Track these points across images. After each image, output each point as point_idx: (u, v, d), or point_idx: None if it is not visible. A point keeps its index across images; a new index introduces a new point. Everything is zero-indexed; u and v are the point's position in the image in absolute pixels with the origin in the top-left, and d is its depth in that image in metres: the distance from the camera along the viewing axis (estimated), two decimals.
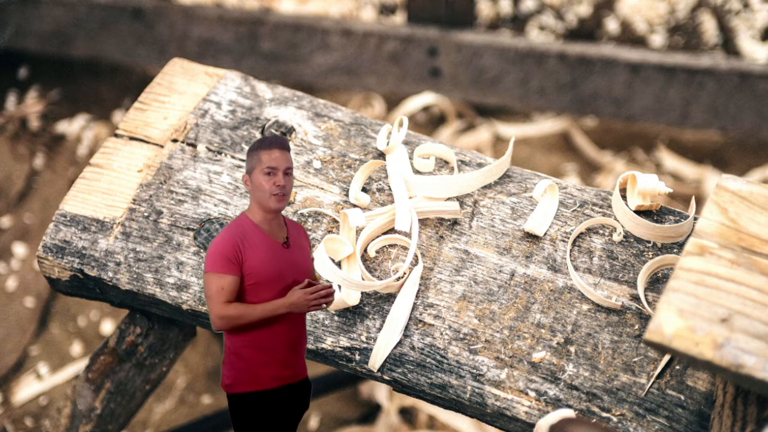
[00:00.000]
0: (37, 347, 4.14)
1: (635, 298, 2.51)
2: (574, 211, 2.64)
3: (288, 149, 2.25)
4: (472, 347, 2.48)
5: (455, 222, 2.65)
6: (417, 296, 2.55)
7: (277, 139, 2.25)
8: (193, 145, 2.79)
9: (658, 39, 4.73)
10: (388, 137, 2.77)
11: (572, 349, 2.46)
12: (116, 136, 2.82)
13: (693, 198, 2.76)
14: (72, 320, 4.20)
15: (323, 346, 2.52)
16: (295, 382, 2.27)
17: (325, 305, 2.21)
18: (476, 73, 4.36)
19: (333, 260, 2.56)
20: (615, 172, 4.44)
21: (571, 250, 2.58)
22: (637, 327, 2.48)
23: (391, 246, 2.63)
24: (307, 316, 2.54)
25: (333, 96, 4.75)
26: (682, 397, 2.39)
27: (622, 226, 2.60)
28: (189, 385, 4.03)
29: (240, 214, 2.32)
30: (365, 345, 2.51)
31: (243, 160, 2.77)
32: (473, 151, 2.77)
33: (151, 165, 2.76)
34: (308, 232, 2.64)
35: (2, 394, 4.02)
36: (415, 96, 4.60)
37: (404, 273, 2.57)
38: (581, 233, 2.61)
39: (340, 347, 2.52)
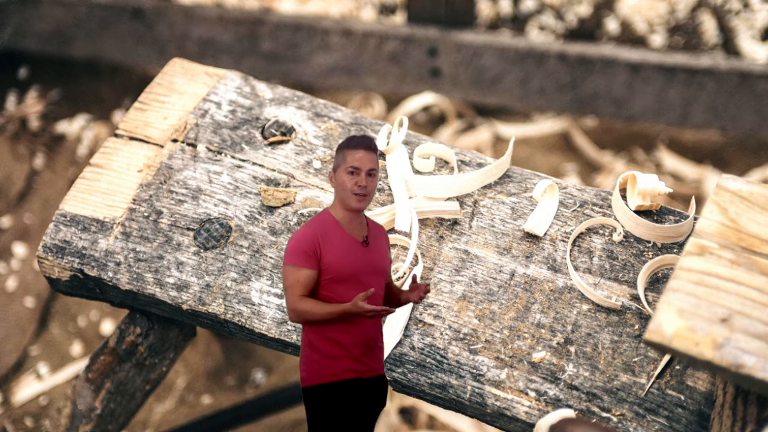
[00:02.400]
0: (37, 347, 4.14)
1: (635, 298, 2.51)
2: (574, 211, 2.64)
3: (374, 150, 2.26)
4: (472, 347, 2.48)
5: (455, 222, 2.65)
6: None
7: (364, 140, 2.26)
8: (193, 145, 2.79)
9: (658, 39, 4.73)
10: (388, 137, 2.77)
11: (572, 349, 2.46)
12: (116, 136, 2.82)
13: (693, 198, 2.76)
14: (72, 320, 4.20)
15: None
16: (370, 376, 2.26)
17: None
18: (476, 73, 4.36)
19: None
20: (615, 172, 4.44)
21: (571, 250, 2.58)
22: (637, 327, 2.48)
23: (391, 246, 2.63)
24: None
25: (333, 96, 4.75)
26: (682, 397, 2.39)
27: (622, 226, 2.60)
28: (189, 385, 4.03)
29: (323, 210, 2.34)
30: None
31: (243, 160, 2.77)
32: (473, 151, 2.77)
33: (151, 165, 2.76)
34: None
35: (2, 394, 4.02)
36: (415, 96, 4.60)
37: (404, 273, 2.57)
38: (581, 233, 2.61)
39: None
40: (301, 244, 2.22)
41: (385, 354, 2.48)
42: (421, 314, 2.52)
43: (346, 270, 2.22)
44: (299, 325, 2.54)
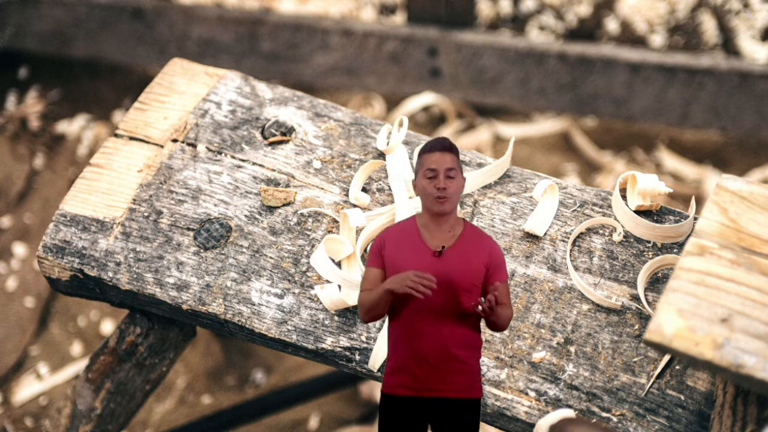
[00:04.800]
0: (37, 347, 4.14)
1: (635, 298, 2.51)
2: (574, 211, 2.64)
3: (450, 150, 2.19)
4: None
5: None
6: None
7: (439, 142, 2.20)
8: (193, 145, 2.79)
9: (658, 39, 4.73)
10: (388, 137, 2.77)
11: (572, 349, 2.46)
12: (116, 136, 2.82)
13: (693, 198, 2.76)
14: (72, 320, 4.20)
15: (323, 346, 2.52)
16: (426, 396, 2.18)
17: (421, 293, 2.11)
18: (476, 73, 4.36)
19: (333, 260, 2.56)
20: (615, 172, 4.44)
21: (571, 250, 2.58)
22: (637, 327, 2.48)
23: None
24: (307, 316, 2.54)
25: (333, 96, 4.75)
26: (682, 397, 2.39)
27: (622, 226, 2.60)
28: (189, 385, 4.02)
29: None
30: (365, 345, 2.51)
31: (243, 160, 2.77)
32: (473, 151, 2.77)
33: (151, 165, 2.76)
34: (308, 233, 2.64)
35: (2, 394, 4.02)
36: (415, 96, 4.60)
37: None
38: (581, 233, 2.61)
39: (340, 347, 2.52)
40: (373, 243, 2.22)
41: (386, 354, 2.48)
42: None
43: None
44: (299, 326, 2.54)
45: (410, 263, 2.16)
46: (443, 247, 2.18)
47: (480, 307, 2.12)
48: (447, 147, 2.19)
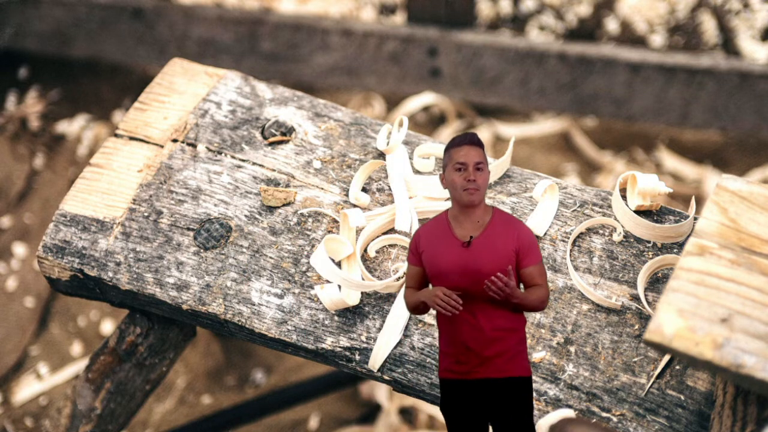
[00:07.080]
0: (37, 347, 4.14)
1: (635, 298, 2.51)
2: (574, 211, 2.64)
3: (478, 144, 2.25)
4: None
5: None
6: None
7: (467, 136, 2.26)
8: (193, 145, 2.79)
9: (658, 39, 4.73)
10: (388, 137, 2.77)
11: (572, 349, 2.46)
12: (116, 136, 2.82)
13: (693, 198, 2.76)
14: (72, 320, 4.20)
15: (323, 346, 2.52)
16: (471, 379, 2.24)
17: (449, 312, 2.20)
18: (476, 73, 4.36)
19: (333, 260, 2.56)
20: (615, 172, 4.44)
21: (571, 250, 2.58)
22: (637, 327, 2.48)
23: (391, 246, 2.63)
24: (307, 316, 2.54)
25: (333, 96, 4.75)
26: (682, 397, 2.39)
27: (622, 226, 2.60)
28: (189, 385, 4.03)
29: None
30: (365, 345, 2.51)
31: (243, 160, 2.77)
32: None
33: (151, 165, 2.76)
34: (308, 233, 2.64)
35: (2, 394, 4.02)
36: (415, 96, 4.60)
37: (404, 273, 2.56)
38: (581, 233, 2.61)
39: (340, 347, 2.52)
40: (411, 242, 2.29)
41: (385, 354, 2.48)
42: None
43: (436, 268, 2.23)
44: (299, 325, 2.54)
45: (443, 255, 2.23)
46: (471, 237, 2.23)
47: (492, 289, 2.17)
48: (475, 141, 2.25)
